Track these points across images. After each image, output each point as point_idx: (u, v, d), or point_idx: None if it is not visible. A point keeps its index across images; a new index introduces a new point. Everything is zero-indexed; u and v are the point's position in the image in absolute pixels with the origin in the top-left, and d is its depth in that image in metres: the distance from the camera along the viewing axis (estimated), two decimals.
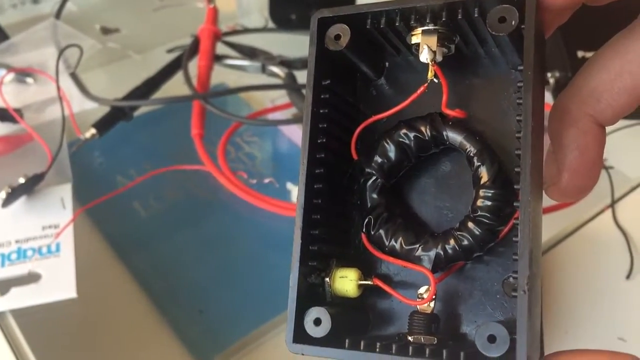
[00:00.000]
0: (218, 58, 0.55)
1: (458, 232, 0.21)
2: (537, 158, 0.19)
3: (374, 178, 0.23)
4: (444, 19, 0.21)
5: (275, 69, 0.54)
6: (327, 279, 0.22)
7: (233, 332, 0.43)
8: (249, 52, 0.56)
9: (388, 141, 0.23)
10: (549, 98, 0.51)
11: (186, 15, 0.66)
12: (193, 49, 0.54)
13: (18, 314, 0.38)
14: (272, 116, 0.55)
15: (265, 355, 0.42)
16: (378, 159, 0.23)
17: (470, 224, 0.21)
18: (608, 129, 0.42)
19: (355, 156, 0.23)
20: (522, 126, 0.19)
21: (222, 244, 0.50)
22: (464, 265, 0.22)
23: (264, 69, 0.54)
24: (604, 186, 0.45)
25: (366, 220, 0.23)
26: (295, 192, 0.48)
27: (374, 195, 0.23)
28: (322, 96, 0.22)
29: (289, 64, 0.54)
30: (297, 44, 0.59)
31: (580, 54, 0.48)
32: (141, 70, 0.56)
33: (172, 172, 0.48)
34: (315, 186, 0.22)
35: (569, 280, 0.38)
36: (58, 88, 0.48)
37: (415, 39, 0.22)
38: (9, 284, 0.39)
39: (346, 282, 0.22)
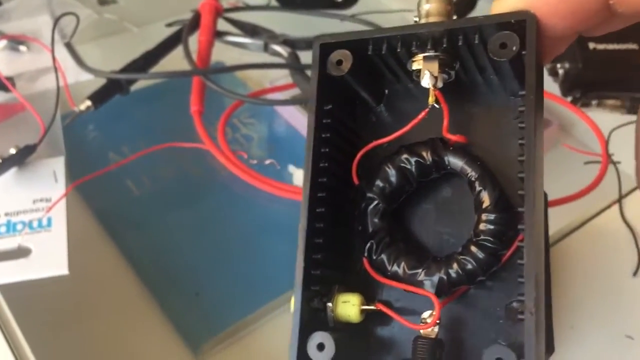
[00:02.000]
0: (219, 34, 0.53)
1: (461, 257, 0.21)
2: (539, 181, 0.20)
3: (375, 203, 0.23)
4: (444, 45, 0.21)
5: (278, 48, 0.52)
6: (330, 304, 0.22)
7: (229, 316, 0.42)
8: (251, 30, 0.54)
9: (389, 166, 0.23)
10: (557, 90, 0.50)
11: None
12: (194, 24, 0.52)
13: (6, 289, 0.37)
14: (271, 97, 0.53)
15: (261, 339, 0.41)
16: (379, 183, 0.23)
17: (474, 248, 0.21)
18: (614, 123, 0.41)
19: (356, 181, 0.24)
20: (524, 150, 0.19)
21: (218, 226, 0.48)
22: (467, 290, 0.23)
23: (266, 48, 0.53)
24: (611, 181, 0.44)
25: (368, 244, 0.23)
26: (297, 175, 0.47)
27: (376, 220, 0.23)
28: (324, 121, 0.23)
29: (292, 44, 0.53)
30: (300, 24, 0.58)
31: (591, 45, 0.48)
32: (138, 43, 0.54)
33: (167, 151, 0.47)
34: (317, 210, 0.22)
35: (575, 275, 0.38)
36: (53, 57, 0.46)
37: (416, 65, 0.22)
38: None
39: (349, 307, 0.22)
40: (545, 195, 0.36)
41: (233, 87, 0.55)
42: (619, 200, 0.43)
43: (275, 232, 0.45)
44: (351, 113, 0.25)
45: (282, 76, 0.55)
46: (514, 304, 0.22)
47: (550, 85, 0.51)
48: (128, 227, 0.48)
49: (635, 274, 0.39)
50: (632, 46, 0.47)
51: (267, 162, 0.45)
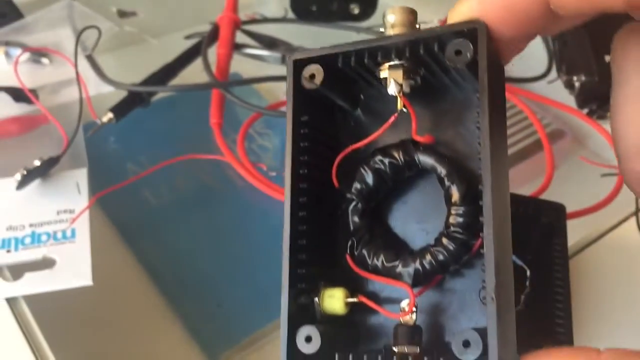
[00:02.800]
0: (237, 47, 0.54)
1: (434, 248, 0.23)
2: (499, 175, 0.21)
3: (354, 203, 0.25)
4: (407, 55, 0.23)
5: None
6: (316, 299, 0.24)
7: (247, 325, 0.43)
8: (269, 42, 0.55)
9: (365, 168, 0.25)
10: (572, 102, 0.51)
11: (203, 1, 0.65)
12: (212, 37, 0.53)
13: (31, 299, 0.37)
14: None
15: (275, 350, 0.41)
16: (357, 185, 0.25)
17: (445, 240, 0.23)
18: None
19: (336, 184, 0.25)
20: (481, 149, 0.21)
21: (236, 236, 0.49)
22: (443, 278, 0.24)
23: (283, 60, 0.53)
24: (628, 193, 0.44)
25: (350, 242, 0.25)
26: None
27: (356, 219, 0.25)
28: (301, 131, 0.24)
29: None
30: (317, 36, 0.59)
31: (607, 58, 0.48)
32: (157, 54, 0.55)
33: (184, 161, 0.48)
34: (300, 214, 0.24)
35: (594, 287, 0.38)
36: (77, 70, 0.47)
37: (383, 74, 0.24)
38: (22, 268, 0.38)
39: (334, 300, 0.24)
40: (563, 207, 0.37)
41: (248, 98, 0.56)
42: (636, 212, 0.43)
43: None
44: (330, 120, 0.26)
45: None
46: (482, 290, 0.23)
47: (566, 98, 0.51)
48: (146, 237, 0.48)
49: None
50: None
51: None
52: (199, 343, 0.42)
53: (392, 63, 0.23)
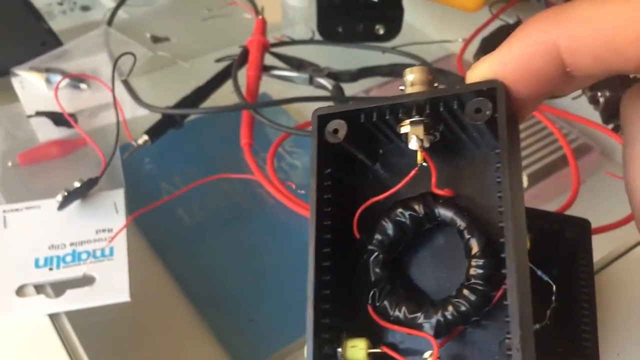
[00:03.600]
0: (266, 68, 0.55)
1: (455, 299, 0.23)
2: (519, 227, 0.22)
3: (375, 254, 0.25)
4: (428, 111, 0.24)
5: (322, 81, 0.54)
6: (340, 349, 0.24)
7: (277, 341, 0.44)
8: (297, 64, 0.56)
9: (386, 220, 0.25)
10: (597, 118, 0.51)
11: (233, 25, 0.67)
12: (242, 60, 0.54)
13: (72, 315, 0.39)
14: None
15: None
16: (378, 236, 0.25)
17: (466, 291, 0.23)
18: None
19: (357, 235, 0.26)
20: (502, 201, 0.22)
21: (266, 253, 0.50)
22: (464, 330, 0.24)
23: (311, 81, 0.55)
24: None
25: (371, 293, 0.25)
26: None
27: (377, 270, 0.25)
28: (325, 183, 0.25)
29: (336, 76, 0.55)
30: (343, 57, 0.60)
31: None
32: (189, 77, 0.57)
33: (216, 181, 0.49)
34: (323, 264, 0.24)
35: (620, 303, 0.38)
36: (114, 95, 0.49)
37: (404, 129, 0.24)
38: (64, 285, 0.40)
39: (357, 351, 0.24)
40: (588, 223, 0.37)
41: (277, 117, 0.57)
42: None
43: None
44: (350, 172, 0.27)
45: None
46: (507, 340, 0.23)
47: (592, 113, 0.51)
48: (180, 254, 0.50)
49: None
50: None
51: None
52: (231, 357, 0.44)
53: (413, 119, 0.24)
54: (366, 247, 0.25)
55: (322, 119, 0.25)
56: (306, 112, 0.60)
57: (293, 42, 0.60)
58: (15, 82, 0.54)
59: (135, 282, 0.40)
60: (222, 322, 0.45)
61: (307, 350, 0.23)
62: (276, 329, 0.45)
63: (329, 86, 0.53)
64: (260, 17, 0.58)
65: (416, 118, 0.24)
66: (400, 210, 0.25)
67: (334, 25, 0.61)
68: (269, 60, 0.57)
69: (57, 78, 0.53)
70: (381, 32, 0.61)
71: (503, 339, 0.23)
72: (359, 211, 0.26)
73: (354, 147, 0.26)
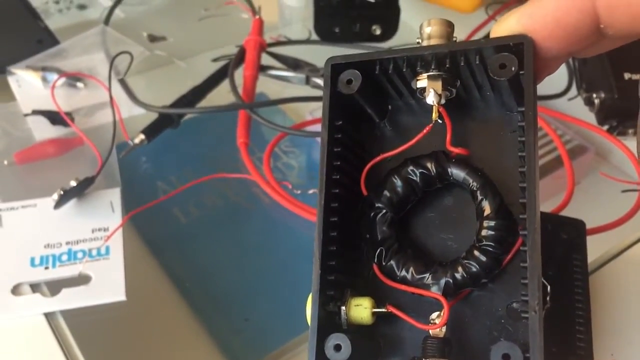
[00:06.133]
0: (263, 68, 0.55)
1: (465, 261, 0.23)
2: (538, 189, 0.21)
3: (383, 212, 0.24)
4: (447, 66, 0.23)
5: (319, 81, 0.54)
6: (344, 307, 0.23)
7: (272, 341, 0.44)
8: (293, 64, 0.56)
9: (396, 177, 0.24)
10: (592, 119, 0.51)
11: (230, 25, 0.67)
12: (239, 59, 0.54)
13: (68, 314, 0.39)
14: (313, 127, 0.55)
15: None
16: (387, 193, 0.24)
17: (477, 252, 0.23)
18: None
19: (365, 192, 0.25)
20: (525, 161, 0.21)
21: (262, 252, 0.50)
22: (471, 292, 0.24)
23: (307, 81, 0.55)
24: None
25: (377, 251, 0.24)
26: None
27: (384, 228, 0.24)
28: (335, 136, 0.24)
29: None
30: None
31: (627, 75, 0.48)
32: (185, 77, 0.57)
33: (212, 180, 0.49)
34: (331, 219, 0.24)
35: (614, 303, 0.38)
36: (110, 94, 0.49)
37: (421, 84, 0.23)
38: (59, 284, 0.40)
39: (361, 310, 0.23)
40: (583, 223, 0.37)
41: (273, 117, 0.57)
42: None
43: None
44: (358, 128, 0.26)
45: (321, 107, 0.57)
46: (514, 305, 0.23)
47: (587, 114, 0.51)
48: (176, 253, 0.50)
49: None
50: None
51: (311, 191, 0.47)
52: (226, 356, 0.44)
53: (431, 73, 0.23)
54: (374, 205, 0.25)
55: (336, 69, 0.24)
56: (303, 111, 0.61)
57: (290, 42, 0.60)
58: (11, 80, 0.54)
59: (131, 281, 0.40)
60: (217, 321, 0.45)
61: (311, 306, 0.22)
62: (271, 328, 0.45)
63: None
64: (257, 16, 0.58)
65: (434, 72, 0.23)
66: (411, 167, 0.24)
67: (331, 26, 0.61)
68: (266, 60, 0.57)
69: (53, 77, 0.52)
70: (378, 32, 0.61)
71: (511, 303, 0.23)
72: (368, 165, 0.25)
73: (365, 101, 0.25)
